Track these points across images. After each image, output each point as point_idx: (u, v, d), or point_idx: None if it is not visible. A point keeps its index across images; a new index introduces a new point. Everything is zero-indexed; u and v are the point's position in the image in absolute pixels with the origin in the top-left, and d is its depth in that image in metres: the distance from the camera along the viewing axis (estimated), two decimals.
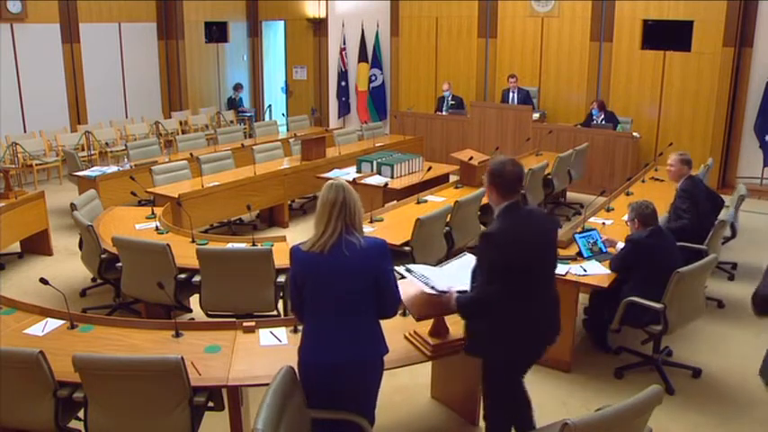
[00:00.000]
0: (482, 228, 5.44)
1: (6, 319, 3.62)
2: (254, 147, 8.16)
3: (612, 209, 5.82)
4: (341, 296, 2.71)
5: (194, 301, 4.69)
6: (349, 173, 7.14)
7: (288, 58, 13.22)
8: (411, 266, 3.43)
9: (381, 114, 11.96)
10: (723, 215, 5.18)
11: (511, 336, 2.97)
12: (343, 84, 12.32)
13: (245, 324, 3.49)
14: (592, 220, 5.49)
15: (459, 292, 3.09)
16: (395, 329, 3.43)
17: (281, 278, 4.42)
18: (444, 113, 10.24)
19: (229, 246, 4.81)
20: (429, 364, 3.89)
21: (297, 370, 2.75)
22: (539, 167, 6.97)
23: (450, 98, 10.34)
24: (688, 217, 5.10)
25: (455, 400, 3.96)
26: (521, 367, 3.18)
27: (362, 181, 6.82)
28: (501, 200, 2.97)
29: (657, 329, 4.07)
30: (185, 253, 4.63)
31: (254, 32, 13.40)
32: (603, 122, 8.86)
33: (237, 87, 12.60)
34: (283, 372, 2.60)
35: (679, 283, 3.92)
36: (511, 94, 9.86)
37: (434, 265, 3.61)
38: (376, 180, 6.85)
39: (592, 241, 4.69)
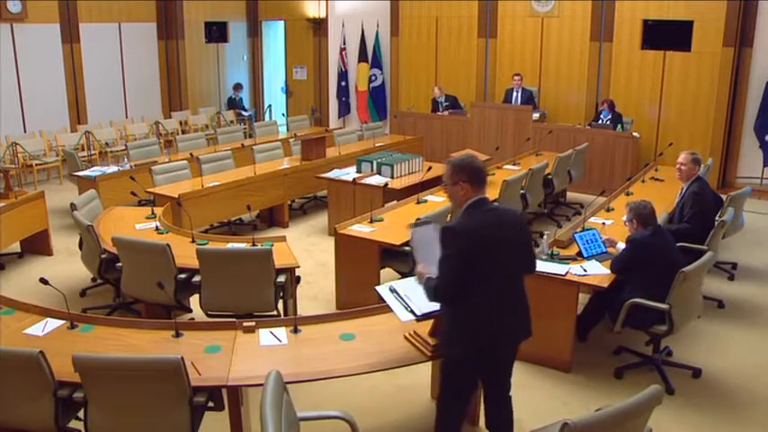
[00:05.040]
0: None
1: (6, 319, 3.62)
2: (254, 147, 8.16)
3: (612, 209, 5.82)
4: None
5: (194, 301, 4.69)
6: (349, 173, 7.14)
7: (288, 58, 13.21)
8: (396, 284, 3.40)
9: (381, 114, 11.96)
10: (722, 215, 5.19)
11: (466, 335, 2.92)
12: (343, 84, 12.32)
13: (245, 324, 3.49)
14: (592, 220, 5.48)
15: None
16: (395, 329, 3.44)
17: (281, 278, 4.42)
18: (443, 113, 10.23)
19: (229, 246, 4.80)
20: (429, 364, 3.88)
21: None
22: (539, 167, 6.96)
23: (443, 101, 10.32)
24: (692, 223, 5.09)
25: None
26: (476, 366, 3.05)
27: (362, 181, 6.82)
28: (470, 194, 2.90)
29: (662, 330, 4.05)
30: (185, 253, 4.63)
31: (254, 32, 13.39)
32: (609, 123, 8.85)
33: (237, 87, 12.59)
34: (273, 375, 2.55)
35: (684, 282, 3.91)
36: (515, 94, 9.85)
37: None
38: (376, 180, 6.84)
39: (591, 239, 4.69)
